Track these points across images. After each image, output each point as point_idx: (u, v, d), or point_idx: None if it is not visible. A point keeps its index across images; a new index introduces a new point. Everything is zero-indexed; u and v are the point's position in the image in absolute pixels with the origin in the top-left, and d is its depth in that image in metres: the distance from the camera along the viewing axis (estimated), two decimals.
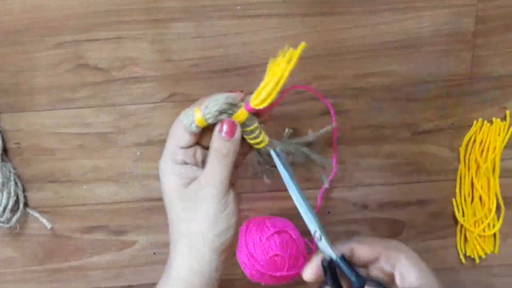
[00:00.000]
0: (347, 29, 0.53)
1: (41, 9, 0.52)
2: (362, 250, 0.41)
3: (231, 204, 0.42)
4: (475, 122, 0.56)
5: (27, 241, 0.60)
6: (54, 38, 0.53)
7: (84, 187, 0.58)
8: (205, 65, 0.54)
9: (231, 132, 0.41)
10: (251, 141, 0.47)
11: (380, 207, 0.60)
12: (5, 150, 0.56)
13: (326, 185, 0.57)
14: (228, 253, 0.43)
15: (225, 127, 0.41)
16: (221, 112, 0.42)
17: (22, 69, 0.54)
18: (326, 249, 0.41)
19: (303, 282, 0.63)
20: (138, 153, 0.57)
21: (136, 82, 0.55)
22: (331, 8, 0.52)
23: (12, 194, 0.56)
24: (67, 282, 0.61)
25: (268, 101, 0.44)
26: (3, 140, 0.56)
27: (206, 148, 0.42)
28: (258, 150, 0.47)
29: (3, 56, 0.54)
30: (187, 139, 0.41)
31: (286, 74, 0.42)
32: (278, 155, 0.48)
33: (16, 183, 0.57)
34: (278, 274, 0.54)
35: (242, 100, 0.42)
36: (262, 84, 0.44)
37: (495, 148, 0.55)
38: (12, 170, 0.56)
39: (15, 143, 0.57)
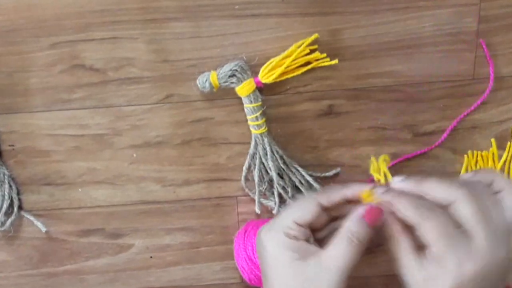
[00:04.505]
0: (347, 29, 0.52)
1: (36, 8, 0.51)
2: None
3: None
4: (465, 156, 0.56)
5: (22, 244, 0.59)
6: (49, 38, 0.52)
7: (80, 189, 0.58)
8: (203, 65, 0.53)
9: (375, 220, 0.39)
10: (251, 123, 0.52)
11: None
12: None
13: None
14: None
15: (370, 213, 0.39)
16: (232, 75, 0.49)
17: (17, 70, 0.53)
18: None
19: None
20: (134, 155, 0.56)
21: (133, 83, 0.54)
22: (331, 8, 0.52)
23: (6, 197, 0.56)
24: (63, 286, 0.61)
25: (276, 75, 0.51)
26: None
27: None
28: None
29: None
30: (308, 216, 0.40)
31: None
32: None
33: (10, 186, 0.56)
34: None
35: None
36: (271, 60, 0.51)
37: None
38: (6, 172, 0.56)
39: (9, 145, 0.56)
